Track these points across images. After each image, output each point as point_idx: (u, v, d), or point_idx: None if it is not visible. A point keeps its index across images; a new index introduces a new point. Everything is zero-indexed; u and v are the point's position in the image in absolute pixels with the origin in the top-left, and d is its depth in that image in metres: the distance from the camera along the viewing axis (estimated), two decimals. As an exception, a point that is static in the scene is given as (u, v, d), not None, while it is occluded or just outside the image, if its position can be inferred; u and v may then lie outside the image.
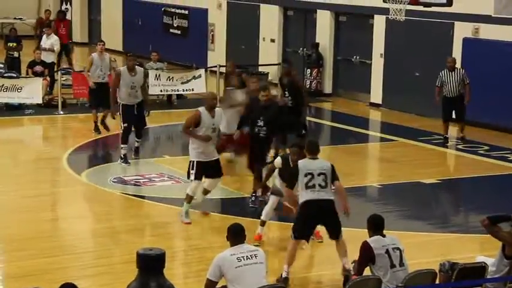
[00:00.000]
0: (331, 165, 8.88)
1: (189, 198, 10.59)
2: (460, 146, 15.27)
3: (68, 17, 28.25)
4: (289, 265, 8.66)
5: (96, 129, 15.25)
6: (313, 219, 8.85)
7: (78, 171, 12.93)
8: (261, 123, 11.22)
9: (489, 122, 16.19)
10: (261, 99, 11.38)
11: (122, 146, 13.15)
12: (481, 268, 7.59)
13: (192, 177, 10.53)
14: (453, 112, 15.56)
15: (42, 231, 10.27)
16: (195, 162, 10.52)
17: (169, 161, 13.75)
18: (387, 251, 7.50)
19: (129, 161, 13.20)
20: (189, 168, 10.59)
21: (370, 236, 7.69)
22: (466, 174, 13.73)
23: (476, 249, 9.97)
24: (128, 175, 12.72)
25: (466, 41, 16.99)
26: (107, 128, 15.17)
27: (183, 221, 10.53)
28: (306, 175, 8.69)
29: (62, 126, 16.94)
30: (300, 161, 8.89)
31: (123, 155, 13.14)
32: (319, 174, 8.69)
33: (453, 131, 16.05)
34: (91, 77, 15.36)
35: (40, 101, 17.46)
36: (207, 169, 10.61)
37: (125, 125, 13.09)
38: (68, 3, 29.31)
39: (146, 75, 13.67)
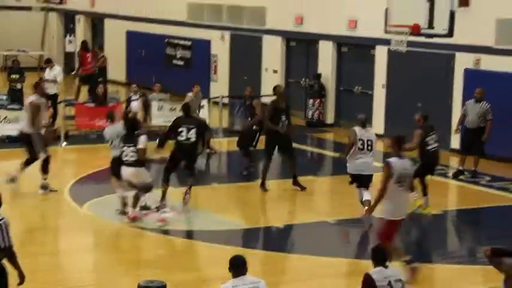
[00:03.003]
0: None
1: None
2: (462, 177, 15.24)
3: (71, 48, 28.52)
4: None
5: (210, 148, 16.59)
6: None
7: (81, 202, 12.93)
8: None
9: (490, 152, 16.15)
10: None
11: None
12: (484, 300, 7.54)
13: None
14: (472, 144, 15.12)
15: (44, 264, 10.24)
16: None
17: (171, 191, 13.74)
18: (389, 283, 7.46)
19: None
20: None
21: (373, 267, 7.66)
22: (469, 205, 13.71)
23: (479, 281, 9.93)
24: (130, 206, 12.68)
25: (467, 72, 17.06)
26: (212, 149, 16.66)
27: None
28: None
29: (64, 158, 16.95)
30: None
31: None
32: None
33: (454, 160, 16.07)
34: None
35: (42, 133, 17.46)
36: None
37: None
38: (72, 34, 29.52)
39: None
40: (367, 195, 12.03)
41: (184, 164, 12.76)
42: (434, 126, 12.91)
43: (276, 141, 13.77)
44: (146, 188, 11.74)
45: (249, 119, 14.70)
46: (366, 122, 12.43)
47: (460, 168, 15.31)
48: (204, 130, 13.02)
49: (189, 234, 11.88)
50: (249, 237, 11.75)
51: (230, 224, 12.10)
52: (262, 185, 13.83)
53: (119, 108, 18.61)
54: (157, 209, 12.21)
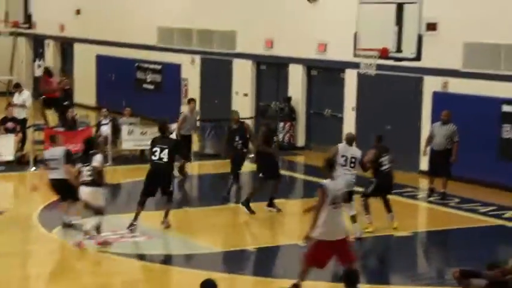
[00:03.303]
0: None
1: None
2: (431, 199, 15.37)
3: (40, 73, 28.42)
4: None
5: (183, 173, 16.65)
6: None
7: (50, 228, 12.81)
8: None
9: (457, 174, 16.32)
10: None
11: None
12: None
13: None
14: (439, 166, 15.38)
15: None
16: None
17: (142, 216, 13.67)
18: (360, 306, 7.51)
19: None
20: None
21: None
22: (438, 226, 13.81)
23: (449, 302, 9.98)
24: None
25: (435, 95, 17.26)
26: (185, 175, 16.67)
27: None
28: None
29: (34, 183, 16.75)
30: None
31: None
32: None
33: (424, 182, 16.21)
34: (180, 130, 16.53)
35: (12, 158, 17.35)
36: None
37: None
38: (42, 59, 29.38)
39: None
40: (351, 211, 12.36)
41: (161, 189, 12.75)
42: (388, 147, 13.09)
43: (269, 164, 13.92)
44: (99, 211, 11.66)
45: (240, 142, 14.66)
46: (352, 140, 12.71)
47: (431, 187, 15.51)
48: (178, 151, 13.07)
49: (161, 259, 11.80)
50: (221, 261, 11.71)
51: (202, 248, 12.07)
52: (248, 204, 13.83)
53: (89, 132, 18.54)
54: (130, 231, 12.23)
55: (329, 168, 9.71)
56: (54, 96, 22.23)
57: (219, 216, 14.05)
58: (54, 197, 14.70)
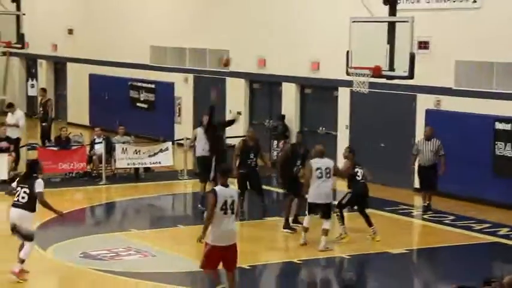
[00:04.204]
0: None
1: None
2: (426, 216, 15.40)
3: (33, 93, 28.47)
4: None
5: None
6: None
7: (45, 246, 12.76)
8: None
9: (452, 191, 16.39)
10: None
11: None
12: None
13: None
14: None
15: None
16: None
17: (136, 234, 13.66)
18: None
19: None
20: None
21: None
22: (433, 244, 13.81)
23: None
24: (94, 250, 12.58)
25: (428, 113, 17.33)
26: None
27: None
28: None
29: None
30: None
31: None
32: None
33: (418, 199, 16.25)
34: (197, 150, 15.97)
35: (5, 177, 17.30)
36: None
37: None
38: (34, 79, 29.39)
39: None
40: (326, 224, 12.75)
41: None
42: (360, 163, 13.68)
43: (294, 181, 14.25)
44: (28, 237, 11.32)
45: (254, 159, 15.06)
46: (323, 153, 13.07)
47: (425, 204, 15.67)
48: None
49: (156, 277, 11.75)
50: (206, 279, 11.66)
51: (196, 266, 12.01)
52: (288, 225, 14.02)
53: (83, 151, 18.54)
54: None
55: (223, 176, 9.83)
56: None
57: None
58: (48, 216, 14.72)
